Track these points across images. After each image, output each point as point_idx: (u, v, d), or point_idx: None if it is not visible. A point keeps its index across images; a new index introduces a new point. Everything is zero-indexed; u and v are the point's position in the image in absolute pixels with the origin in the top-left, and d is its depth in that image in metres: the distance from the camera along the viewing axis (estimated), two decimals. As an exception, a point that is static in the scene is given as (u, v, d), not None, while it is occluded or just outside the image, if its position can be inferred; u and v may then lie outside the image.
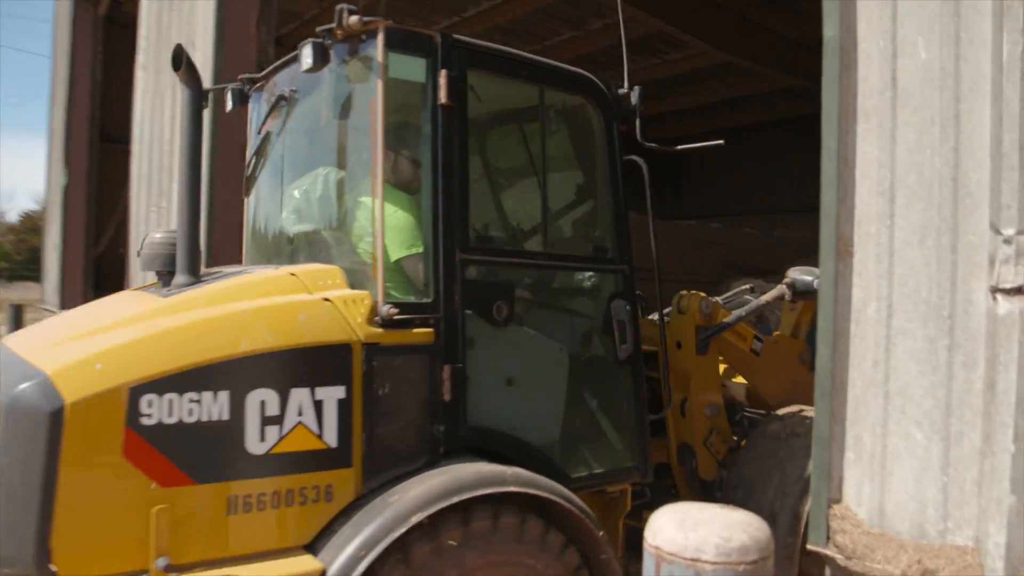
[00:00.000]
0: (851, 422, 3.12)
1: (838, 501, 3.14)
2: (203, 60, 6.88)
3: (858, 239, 3.08)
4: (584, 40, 12.12)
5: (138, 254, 3.38)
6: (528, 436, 3.39)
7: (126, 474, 2.54)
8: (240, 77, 4.01)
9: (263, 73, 3.92)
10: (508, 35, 12.04)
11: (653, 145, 3.62)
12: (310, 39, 3.19)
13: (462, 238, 3.19)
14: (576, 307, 3.86)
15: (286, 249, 3.68)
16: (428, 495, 2.83)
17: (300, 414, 2.77)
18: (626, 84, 3.74)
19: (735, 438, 4.68)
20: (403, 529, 2.75)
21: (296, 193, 3.63)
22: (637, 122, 3.67)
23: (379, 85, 3.02)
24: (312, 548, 2.82)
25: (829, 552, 3.08)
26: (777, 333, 5.28)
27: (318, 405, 2.80)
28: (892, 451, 2.99)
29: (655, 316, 4.50)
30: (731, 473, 4.39)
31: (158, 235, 3.29)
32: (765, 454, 4.27)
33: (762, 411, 4.88)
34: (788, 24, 11.48)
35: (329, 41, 3.17)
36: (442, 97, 3.14)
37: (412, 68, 3.15)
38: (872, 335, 3.06)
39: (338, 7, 3.08)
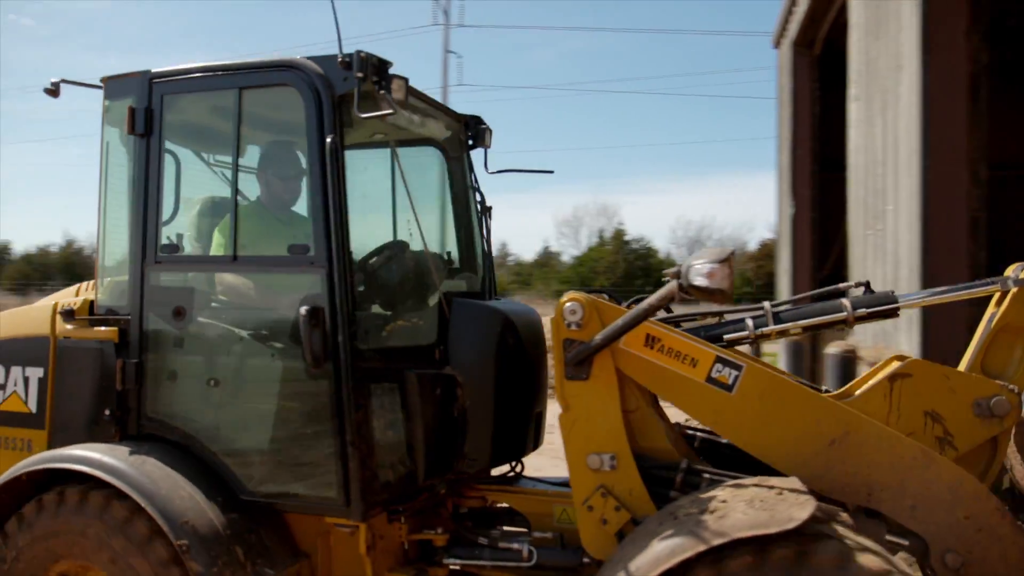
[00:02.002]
0: None
1: None
2: (909, 82, 6.81)
3: None
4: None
5: None
6: (203, 435, 3.66)
7: None
8: None
9: None
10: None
11: (386, 110, 3.21)
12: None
13: (151, 250, 3.70)
14: (274, 313, 3.73)
15: None
16: (20, 466, 3.61)
17: (15, 385, 4.00)
18: (340, 50, 3.35)
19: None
20: None
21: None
22: (355, 92, 3.28)
23: (101, 130, 3.93)
24: None
25: None
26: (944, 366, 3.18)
27: (27, 380, 3.98)
28: None
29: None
30: (609, 560, 2.91)
31: None
32: (634, 538, 2.84)
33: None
34: None
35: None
36: (126, 128, 3.73)
37: (123, 110, 3.75)
38: None
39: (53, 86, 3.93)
